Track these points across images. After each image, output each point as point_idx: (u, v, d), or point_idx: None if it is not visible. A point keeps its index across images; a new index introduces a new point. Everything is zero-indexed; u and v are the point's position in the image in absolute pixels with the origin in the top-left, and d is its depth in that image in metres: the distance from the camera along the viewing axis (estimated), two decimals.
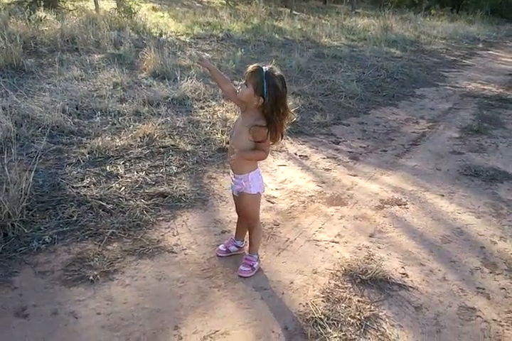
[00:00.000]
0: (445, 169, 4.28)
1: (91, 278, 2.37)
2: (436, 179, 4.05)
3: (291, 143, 4.63)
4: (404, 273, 2.64)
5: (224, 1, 19.07)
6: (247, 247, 2.65)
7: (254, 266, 2.54)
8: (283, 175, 3.87)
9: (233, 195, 2.55)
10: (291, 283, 2.48)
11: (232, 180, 2.45)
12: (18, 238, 2.63)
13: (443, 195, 3.72)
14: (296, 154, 4.37)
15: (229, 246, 2.69)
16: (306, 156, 4.35)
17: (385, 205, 3.48)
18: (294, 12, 16.75)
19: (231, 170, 2.44)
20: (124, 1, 13.20)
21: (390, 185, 3.86)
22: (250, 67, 2.19)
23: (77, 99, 4.93)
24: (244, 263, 2.55)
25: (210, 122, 4.83)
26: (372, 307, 2.33)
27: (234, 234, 2.74)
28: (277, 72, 2.17)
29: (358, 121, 5.64)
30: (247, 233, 2.61)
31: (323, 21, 14.92)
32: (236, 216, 2.69)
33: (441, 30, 15.89)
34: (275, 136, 2.25)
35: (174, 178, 3.56)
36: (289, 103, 5.66)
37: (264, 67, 2.16)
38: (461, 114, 6.35)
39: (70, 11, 11.01)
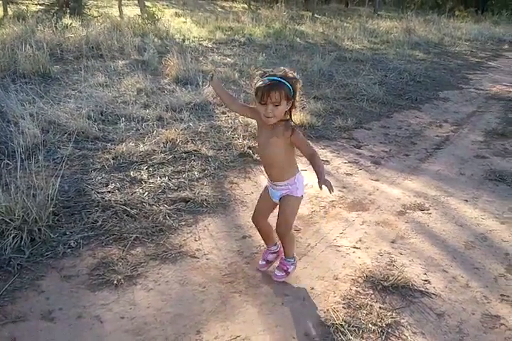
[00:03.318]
0: (469, 173, 4.23)
1: (115, 282, 2.42)
2: (460, 184, 4.00)
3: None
4: (426, 280, 2.61)
5: (246, 6, 19.17)
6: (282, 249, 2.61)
7: (289, 270, 2.54)
8: (304, 180, 3.87)
9: (264, 203, 2.49)
10: (312, 289, 2.49)
11: (274, 188, 2.41)
12: (45, 242, 2.70)
13: (467, 200, 3.68)
14: None
15: (266, 256, 2.64)
16: (327, 161, 4.35)
17: (408, 210, 3.46)
18: (315, 15, 16.74)
19: (270, 180, 2.41)
20: (148, 7, 13.41)
21: (412, 189, 3.83)
22: (266, 85, 2.08)
23: (101, 105, 5.03)
24: (278, 267, 2.55)
25: (231, 127, 4.87)
26: (393, 314, 2.31)
27: (265, 244, 2.68)
28: (281, 71, 2.15)
29: (380, 125, 5.61)
30: (277, 235, 2.55)
31: (345, 24, 14.88)
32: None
33: (465, 31, 15.71)
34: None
35: (196, 183, 3.60)
36: (310, 107, 5.68)
37: (276, 78, 2.10)
38: (485, 117, 6.27)
39: (95, 17, 11.23)
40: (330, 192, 2.09)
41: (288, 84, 2.11)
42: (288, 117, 2.24)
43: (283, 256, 2.59)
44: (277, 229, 2.45)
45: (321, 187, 2.09)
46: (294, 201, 2.40)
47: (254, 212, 2.57)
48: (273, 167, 2.35)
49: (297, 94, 2.19)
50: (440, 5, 25.33)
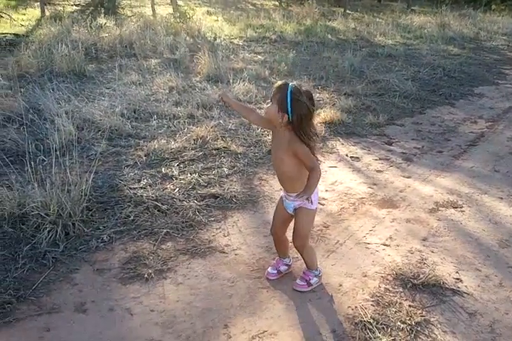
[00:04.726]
0: (504, 171, 4.12)
1: (146, 276, 2.47)
2: (495, 181, 3.90)
3: (343, 144, 4.60)
4: (458, 279, 2.57)
5: (277, 3, 19.11)
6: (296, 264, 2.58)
7: (311, 281, 2.45)
8: (333, 177, 3.86)
9: (279, 214, 2.43)
10: (340, 285, 2.48)
11: (288, 199, 2.35)
12: (79, 237, 2.77)
13: (501, 198, 3.59)
14: (347, 155, 4.34)
15: (278, 266, 2.57)
16: (357, 158, 4.31)
17: (440, 208, 3.40)
18: (347, 11, 16.54)
19: (284, 191, 2.36)
20: (180, 6, 13.55)
21: (445, 187, 3.76)
22: (276, 84, 2.15)
23: (134, 103, 5.12)
24: (301, 276, 2.48)
25: None
26: (423, 312, 2.28)
27: (278, 256, 2.61)
28: (304, 87, 2.11)
29: (412, 121, 5.52)
30: (293, 247, 2.48)
31: (377, 20, 14.64)
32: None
33: (502, 25, 15.21)
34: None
35: (226, 180, 3.63)
36: (341, 103, 5.62)
37: (290, 83, 2.10)
38: None
39: (129, 17, 11.39)
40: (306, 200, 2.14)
41: (288, 94, 2.07)
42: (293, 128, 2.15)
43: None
44: (294, 243, 2.40)
45: (297, 195, 2.14)
46: (309, 213, 2.33)
47: (272, 223, 2.50)
48: (284, 180, 2.32)
49: (298, 115, 2.09)
50: None
